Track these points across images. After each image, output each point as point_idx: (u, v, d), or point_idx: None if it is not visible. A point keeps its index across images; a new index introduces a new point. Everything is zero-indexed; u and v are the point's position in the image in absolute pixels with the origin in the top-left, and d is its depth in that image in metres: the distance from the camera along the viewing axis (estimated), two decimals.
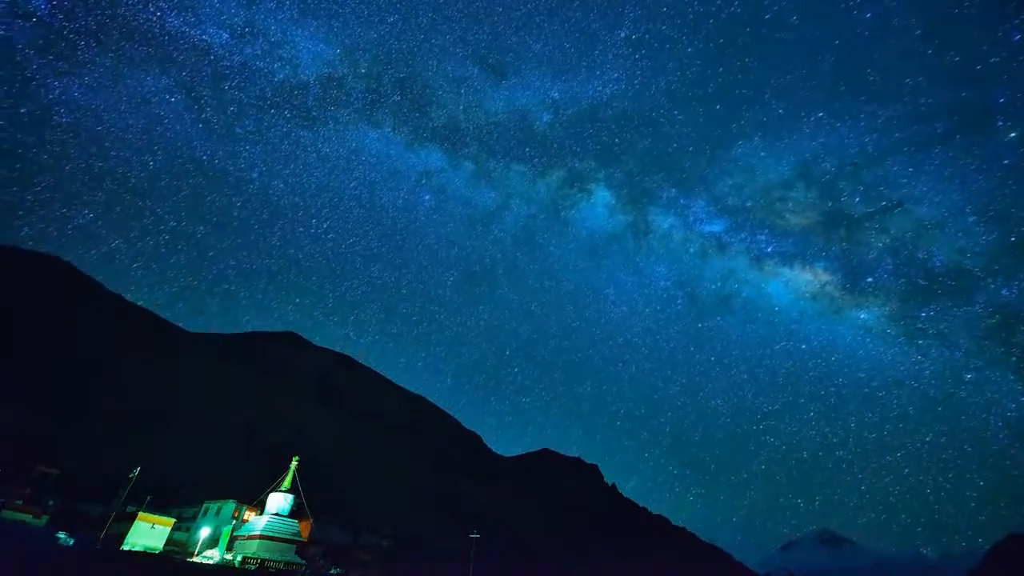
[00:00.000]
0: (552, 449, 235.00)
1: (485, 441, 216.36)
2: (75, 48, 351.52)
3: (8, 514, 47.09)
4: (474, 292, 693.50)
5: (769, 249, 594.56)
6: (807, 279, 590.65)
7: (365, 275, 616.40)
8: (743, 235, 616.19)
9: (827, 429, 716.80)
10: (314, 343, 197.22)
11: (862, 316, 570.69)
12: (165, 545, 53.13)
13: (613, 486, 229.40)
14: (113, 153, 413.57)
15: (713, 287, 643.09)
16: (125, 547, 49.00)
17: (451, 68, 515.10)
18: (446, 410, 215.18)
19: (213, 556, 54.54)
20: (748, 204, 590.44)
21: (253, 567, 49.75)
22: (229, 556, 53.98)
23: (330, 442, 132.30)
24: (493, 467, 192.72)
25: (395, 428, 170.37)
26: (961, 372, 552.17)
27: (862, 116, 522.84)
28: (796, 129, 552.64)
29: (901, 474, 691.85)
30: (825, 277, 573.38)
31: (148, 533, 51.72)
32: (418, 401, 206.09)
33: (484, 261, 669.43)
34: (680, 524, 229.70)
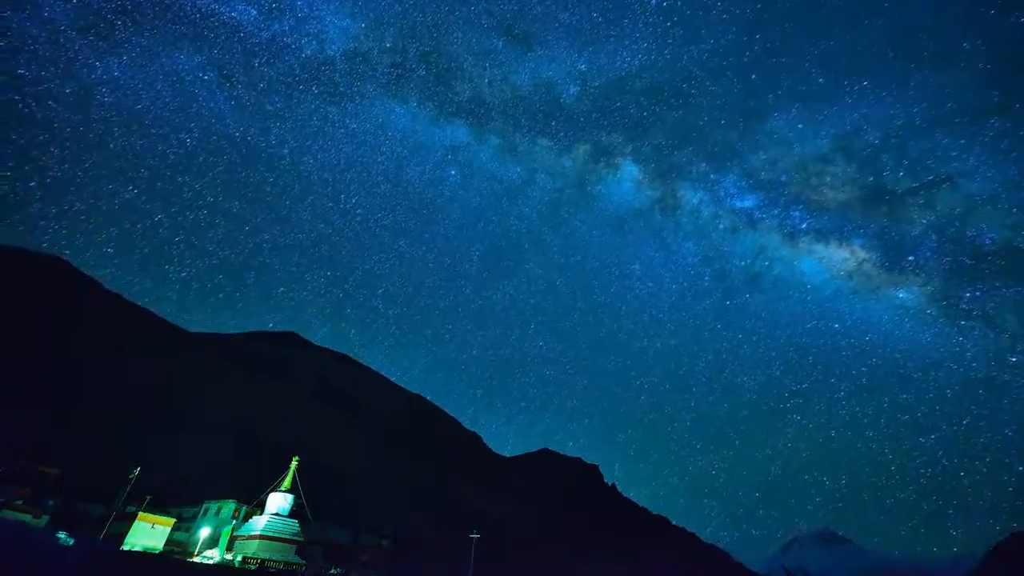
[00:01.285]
0: (552, 449, 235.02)
1: (485, 441, 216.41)
2: (113, 28, 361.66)
3: (8, 514, 47.05)
4: (499, 266, 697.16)
5: (803, 226, 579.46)
6: (843, 257, 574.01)
7: (393, 249, 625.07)
8: (776, 211, 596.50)
9: (858, 409, 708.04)
10: (314, 343, 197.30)
11: (901, 295, 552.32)
12: (165, 545, 53.16)
13: (613, 486, 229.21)
14: (153, 131, 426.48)
15: (742, 264, 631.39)
16: (125, 547, 49.02)
17: (476, 40, 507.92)
18: (446, 410, 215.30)
19: (213, 556, 54.55)
20: (782, 179, 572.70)
21: (253, 567, 49.76)
22: (229, 556, 54.00)
23: (330, 442, 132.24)
24: (493, 467, 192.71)
25: (395, 428, 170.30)
26: (1006, 355, 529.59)
27: (911, 84, 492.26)
28: (837, 99, 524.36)
29: (935, 456, 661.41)
30: (863, 255, 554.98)
31: (148, 533, 51.75)
32: (418, 401, 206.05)
33: (510, 236, 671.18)
34: (680, 524, 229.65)
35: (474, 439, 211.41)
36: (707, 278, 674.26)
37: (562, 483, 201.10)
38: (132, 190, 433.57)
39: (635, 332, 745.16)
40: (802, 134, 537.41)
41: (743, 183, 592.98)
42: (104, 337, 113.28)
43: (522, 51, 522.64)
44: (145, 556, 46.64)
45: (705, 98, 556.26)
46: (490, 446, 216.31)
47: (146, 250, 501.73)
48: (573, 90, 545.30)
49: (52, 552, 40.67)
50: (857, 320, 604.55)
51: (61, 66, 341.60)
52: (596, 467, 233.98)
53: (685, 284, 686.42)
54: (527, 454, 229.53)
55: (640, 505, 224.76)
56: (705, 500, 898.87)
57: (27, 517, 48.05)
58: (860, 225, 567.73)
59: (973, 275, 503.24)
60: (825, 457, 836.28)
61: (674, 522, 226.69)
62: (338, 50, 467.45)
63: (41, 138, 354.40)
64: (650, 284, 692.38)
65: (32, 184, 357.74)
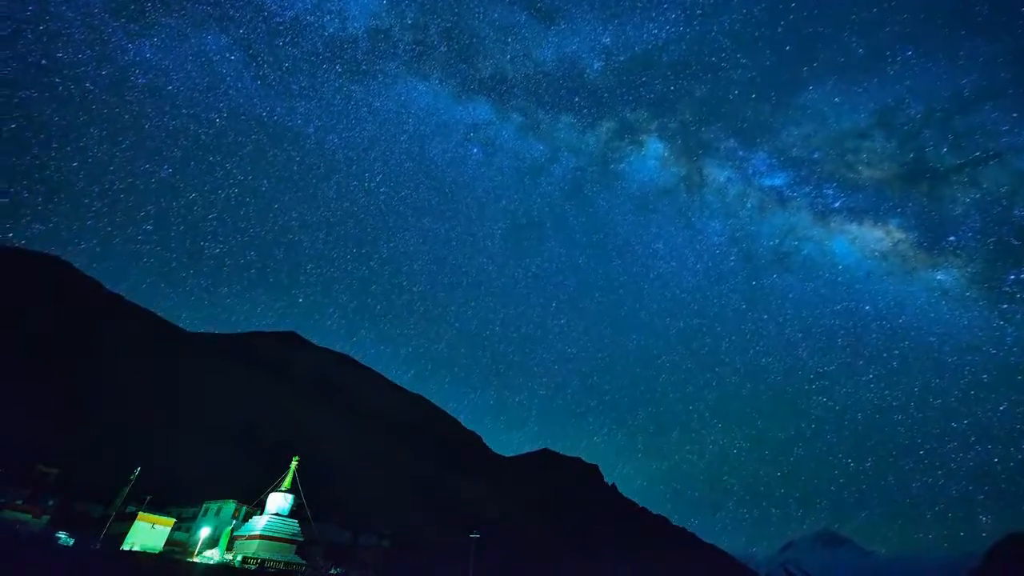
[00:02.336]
0: (552, 449, 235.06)
1: (485, 441, 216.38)
2: (143, 10, 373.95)
3: (8, 514, 47.04)
4: (522, 245, 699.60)
5: (836, 204, 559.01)
6: (877, 237, 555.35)
7: (417, 227, 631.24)
8: (807, 189, 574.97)
9: (887, 392, 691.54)
10: (314, 343, 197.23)
11: (939, 277, 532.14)
12: (165, 545, 53.10)
13: (613, 486, 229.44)
14: (184, 111, 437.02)
15: (770, 244, 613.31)
16: (125, 547, 48.99)
17: (498, 15, 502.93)
18: (446, 410, 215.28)
19: (213, 556, 54.52)
20: (816, 156, 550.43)
21: (253, 567, 49.74)
22: (229, 556, 53.97)
23: (330, 442, 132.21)
24: (493, 467, 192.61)
25: (395, 428, 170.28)
26: None
27: (961, 54, 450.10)
28: (878, 71, 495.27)
29: (967, 441, 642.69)
30: (899, 235, 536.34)
31: (148, 533, 51.71)
32: (418, 401, 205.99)
33: (532, 214, 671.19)
34: (680, 524, 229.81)
35: (474, 439, 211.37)
36: (733, 258, 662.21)
37: (562, 483, 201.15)
38: (167, 169, 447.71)
39: (657, 312, 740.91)
40: (839, 108, 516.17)
41: (773, 160, 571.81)
42: (104, 337, 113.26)
43: (545, 25, 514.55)
44: (145, 556, 46.62)
45: (735, 71, 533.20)
46: (490, 446, 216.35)
47: (181, 227, 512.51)
48: (597, 65, 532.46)
49: (52, 552, 40.67)
50: (890, 302, 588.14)
51: (96, 48, 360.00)
52: (596, 467, 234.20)
53: (710, 264, 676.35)
54: (527, 454, 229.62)
55: (640, 505, 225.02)
56: (726, 478, 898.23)
57: (27, 517, 48.04)
58: (897, 204, 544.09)
59: (1019, 256, 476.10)
60: (851, 439, 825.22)
61: (674, 522, 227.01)
62: (360, 28, 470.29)
63: (81, 119, 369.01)
64: (673, 263, 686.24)
65: (75, 164, 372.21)
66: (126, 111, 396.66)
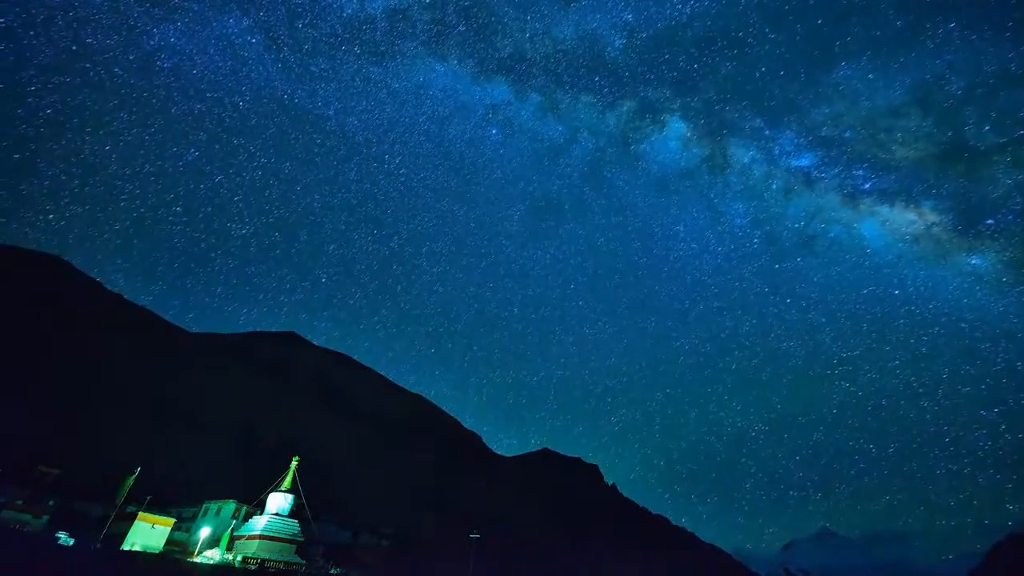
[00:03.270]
0: (552, 449, 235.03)
1: (485, 441, 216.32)
2: None
3: (8, 514, 47.06)
4: (540, 226, 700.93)
5: (866, 186, 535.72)
6: (909, 219, 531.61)
7: (436, 209, 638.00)
8: (836, 170, 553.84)
9: (913, 379, 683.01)
10: (314, 343, 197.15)
11: (973, 262, 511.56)
12: (165, 545, 53.12)
13: (613, 486, 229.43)
14: (208, 95, 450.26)
15: (796, 226, 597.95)
16: (125, 547, 49.01)
17: None
18: (446, 410, 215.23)
19: (213, 556, 54.53)
20: (846, 135, 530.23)
21: (253, 567, 49.74)
22: (229, 556, 53.99)
23: (330, 442, 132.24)
24: (493, 467, 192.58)
25: (395, 428, 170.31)
26: None
27: (1009, 25, 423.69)
28: (916, 45, 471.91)
29: (996, 429, 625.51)
30: (932, 217, 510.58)
31: (148, 533, 51.72)
32: (418, 401, 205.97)
33: (551, 196, 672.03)
34: (680, 524, 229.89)
35: (474, 439, 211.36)
36: (756, 240, 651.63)
37: (562, 483, 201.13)
38: (193, 152, 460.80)
39: (677, 294, 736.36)
40: (873, 85, 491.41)
41: (801, 140, 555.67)
42: (104, 337, 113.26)
43: (565, 2, 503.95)
44: (145, 556, 46.62)
45: (763, 47, 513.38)
46: (490, 446, 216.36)
47: (208, 209, 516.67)
48: (619, 42, 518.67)
49: (52, 552, 40.67)
50: (920, 287, 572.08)
51: (123, 34, 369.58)
52: (596, 467, 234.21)
53: (732, 246, 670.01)
54: (527, 454, 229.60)
55: (640, 505, 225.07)
56: (743, 460, 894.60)
57: (27, 517, 48.05)
58: (932, 185, 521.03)
59: None
60: (874, 425, 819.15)
61: (674, 522, 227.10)
62: (378, 8, 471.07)
63: (111, 104, 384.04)
64: (694, 246, 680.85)
65: (107, 148, 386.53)
66: (153, 95, 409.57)
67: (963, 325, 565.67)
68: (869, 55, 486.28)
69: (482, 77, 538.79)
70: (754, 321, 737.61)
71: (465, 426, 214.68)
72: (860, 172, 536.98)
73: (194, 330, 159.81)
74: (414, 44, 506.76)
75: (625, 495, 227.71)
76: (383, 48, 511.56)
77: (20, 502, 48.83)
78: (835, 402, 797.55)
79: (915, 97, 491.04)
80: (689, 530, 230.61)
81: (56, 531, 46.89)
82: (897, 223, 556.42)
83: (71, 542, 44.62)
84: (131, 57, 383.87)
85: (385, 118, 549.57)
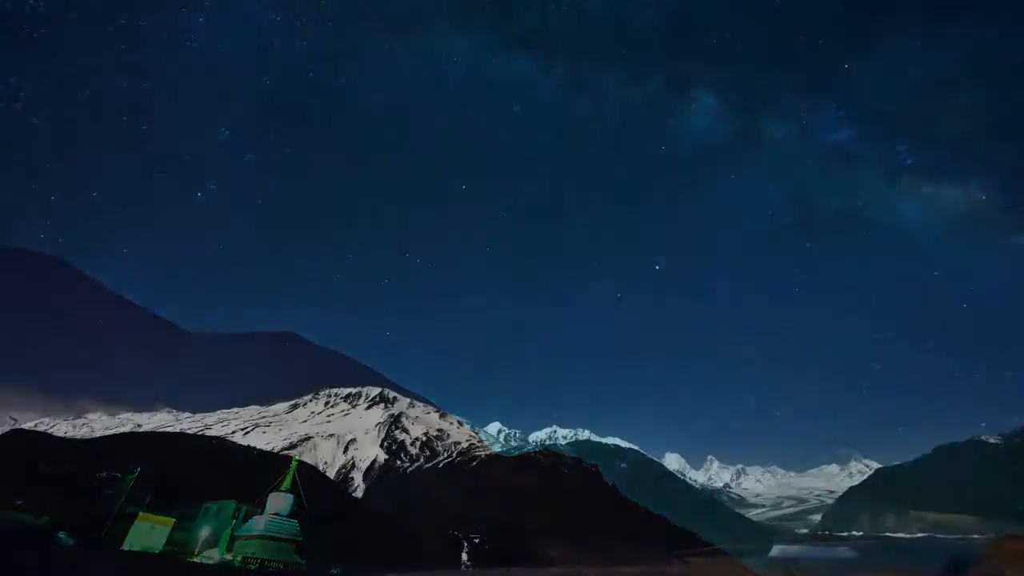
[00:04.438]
0: (552, 449, 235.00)
1: (485, 441, 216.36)
2: None
3: (8, 514, 47.07)
4: (564, 204, 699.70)
5: (909, 162, 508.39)
6: (955, 197, 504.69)
7: (457, 187, 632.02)
8: (877, 144, 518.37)
9: (948, 360, 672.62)
10: (314, 343, 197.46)
11: (1021, 241, 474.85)
12: (165, 545, 53.08)
13: (613, 486, 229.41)
14: (234, 74, 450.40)
15: (831, 203, 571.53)
16: (125, 547, 48.98)
17: None
18: (446, 410, 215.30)
19: (213, 556, 54.51)
20: (890, 108, 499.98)
21: (253, 567, 49.73)
22: (229, 556, 53.97)
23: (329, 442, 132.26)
24: (493, 467, 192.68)
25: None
26: None
27: None
28: (969, 11, 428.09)
29: None
30: (980, 195, 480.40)
31: (148, 533, 51.69)
32: (417, 400, 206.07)
33: (575, 172, 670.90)
34: (680, 524, 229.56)
35: (476, 439, 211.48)
36: (788, 217, 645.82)
37: (562, 483, 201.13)
38: (224, 131, 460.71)
39: (705, 271, 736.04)
40: (920, 55, 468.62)
41: (840, 113, 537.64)
42: (105, 336, 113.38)
43: None
44: (145, 556, 46.59)
45: (803, 16, 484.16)
46: (489, 446, 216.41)
47: (239, 185, 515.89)
48: (648, 12, 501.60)
49: (52, 552, 40.65)
50: (963, 267, 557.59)
51: (155, 14, 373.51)
52: (596, 467, 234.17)
53: (762, 223, 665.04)
54: (527, 454, 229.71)
55: (640, 505, 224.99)
56: (777, 412, 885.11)
57: (27, 517, 48.09)
58: (982, 162, 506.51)
59: None
60: (907, 404, 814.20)
61: (674, 522, 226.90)
62: None
63: (144, 86, 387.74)
64: (724, 222, 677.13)
65: (144, 128, 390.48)
66: (185, 76, 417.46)
67: (1007, 307, 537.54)
68: (919, 22, 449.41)
69: (505, 53, 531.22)
70: (784, 300, 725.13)
71: (465, 426, 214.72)
72: (903, 147, 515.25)
73: (194, 330, 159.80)
74: (438, 18, 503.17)
75: (625, 495, 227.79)
76: (408, 22, 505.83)
77: (20, 502, 48.89)
78: (865, 386, 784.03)
79: (966, 68, 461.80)
80: (689, 530, 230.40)
81: (56, 531, 46.88)
82: (941, 201, 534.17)
83: (71, 542, 44.62)
84: (163, 37, 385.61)
85: (408, 95, 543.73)
